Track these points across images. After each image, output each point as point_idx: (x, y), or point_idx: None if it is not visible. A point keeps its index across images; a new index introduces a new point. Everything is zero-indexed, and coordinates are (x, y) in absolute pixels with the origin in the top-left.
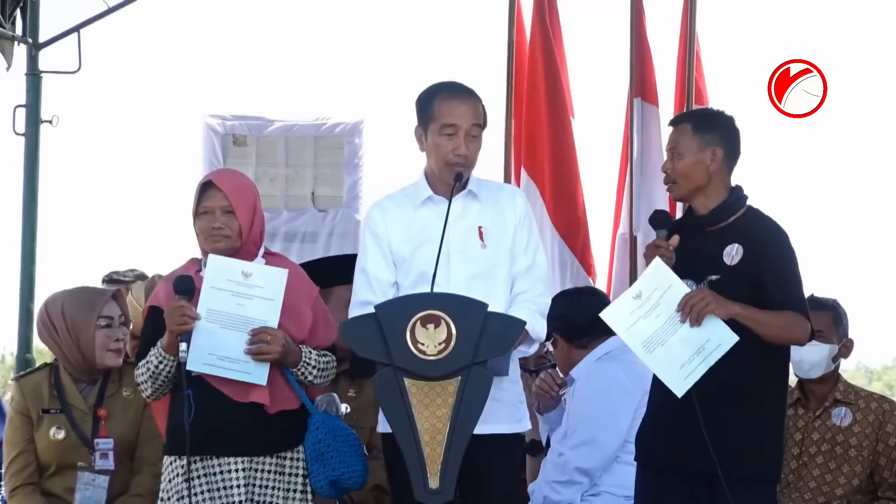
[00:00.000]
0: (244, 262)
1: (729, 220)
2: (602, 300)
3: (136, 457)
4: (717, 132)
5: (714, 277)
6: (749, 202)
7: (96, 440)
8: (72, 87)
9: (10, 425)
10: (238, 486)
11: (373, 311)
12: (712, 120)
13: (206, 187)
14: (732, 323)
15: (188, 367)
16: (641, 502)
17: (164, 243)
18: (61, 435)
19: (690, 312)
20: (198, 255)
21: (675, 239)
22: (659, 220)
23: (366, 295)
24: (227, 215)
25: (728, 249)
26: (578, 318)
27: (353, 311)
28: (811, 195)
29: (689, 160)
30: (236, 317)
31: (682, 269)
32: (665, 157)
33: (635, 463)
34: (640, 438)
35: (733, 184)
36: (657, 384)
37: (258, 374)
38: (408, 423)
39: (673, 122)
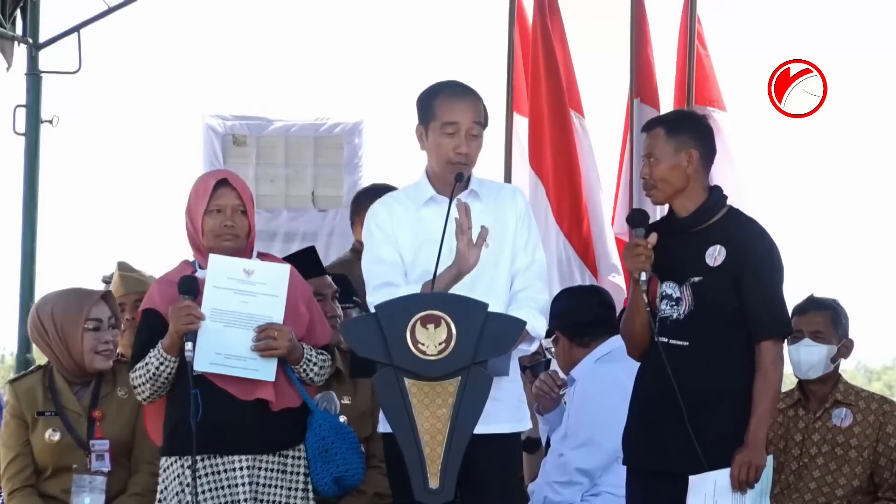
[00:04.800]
0: (245, 260)
1: (710, 221)
2: (605, 299)
3: (134, 456)
4: (690, 134)
5: (696, 279)
6: (730, 202)
7: (92, 442)
8: (72, 87)
9: (5, 429)
10: (243, 485)
11: (398, 290)
12: (685, 122)
13: (219, 185)
14: (727, 330)
15: (195, 368)
16: None
17: (164, 243)
18: (56, 437)
19: (748, 484)
20: (190, 257)
21: (654, 237)
22: (636, 218)
23: (387, 276)
24: (239, 215)
25: (711, 251)
26: (581, 317)
27: (378, 294)
28: (811, 195)
29: (666, 164)
30: (241, 314)
31: (663, 270)
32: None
33: None
34: (625, 442)
35: (711, 184)
36: (638, 387)
37: (266, 370)
38: (408, 423)
39: (645, 128)
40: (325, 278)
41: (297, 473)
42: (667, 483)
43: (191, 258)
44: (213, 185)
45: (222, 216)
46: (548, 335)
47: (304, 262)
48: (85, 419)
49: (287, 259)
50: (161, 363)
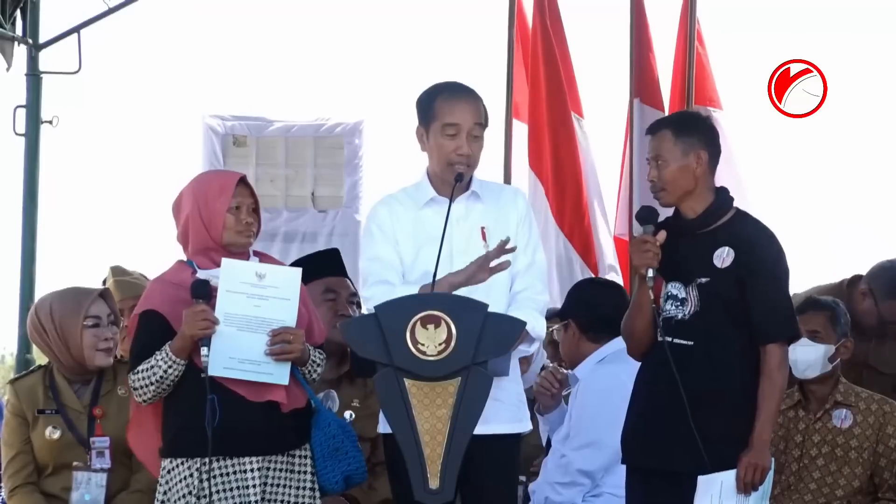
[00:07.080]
0: (257, 264)
1: (718, 222)
2: (625, 298)
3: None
4: (698, 135)
5: (703, 280)
6: (736, 204)
7: (92, 439)
8: (72, 87)
9: (6, 427)
10: (254, 486)
11: (395, 289)
12: (692, 123)
13: (240, 183)
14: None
15: (210, 373)
16: None
17: (164, 244)
18: (57, 435)
19: (754, 486)
20: (183, 257)
21: (662, 234)
22: (645, 215)
23: (383, 274)
24: (254, 214)
25: (719, 252)
26: (599, 310)
27: (373, 289)
28: (811, 195)
29: (675, 166)
30: (253, 318)
31: (670, 271)
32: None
33: None
34: (624, 441)
35: (717, 185)
36: (639, 386)
37: (280, 374)
38: (408, 424)
39: (651, 130)
40: (345, 280)
41: (305, 472)
42: (668, 482)
43: (184, 258)
44: (235, 182)
45: (241, 213)
46: (561, 318)
47: (328, 262)
48: (85, 417)
49: (309, 259)
50: (169, 366)
